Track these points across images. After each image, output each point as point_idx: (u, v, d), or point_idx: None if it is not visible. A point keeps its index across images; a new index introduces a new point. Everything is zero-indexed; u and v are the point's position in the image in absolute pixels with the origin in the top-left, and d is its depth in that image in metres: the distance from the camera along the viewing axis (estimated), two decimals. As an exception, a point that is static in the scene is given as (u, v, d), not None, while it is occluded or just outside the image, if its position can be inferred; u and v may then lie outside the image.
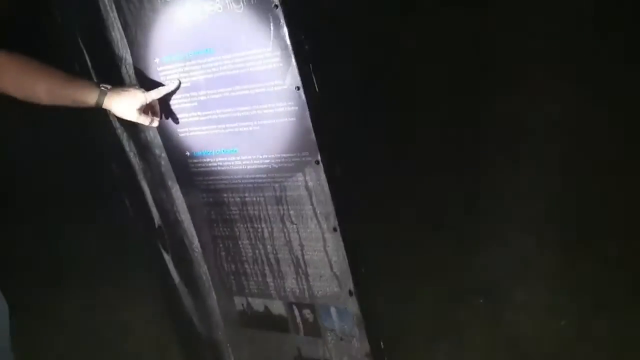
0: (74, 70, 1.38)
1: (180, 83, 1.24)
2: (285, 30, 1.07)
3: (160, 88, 1.23)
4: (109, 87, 1.18)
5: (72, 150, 1.40)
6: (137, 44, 1.27)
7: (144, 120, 1.22)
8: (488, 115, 1.07)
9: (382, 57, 1.11)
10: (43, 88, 1.14)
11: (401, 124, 1.14)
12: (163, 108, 1.30)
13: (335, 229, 1.20)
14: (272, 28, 1.08)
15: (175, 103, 1.29)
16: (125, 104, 1.19)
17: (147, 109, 1.23)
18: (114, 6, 1.27)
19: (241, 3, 1.09)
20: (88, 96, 1.17)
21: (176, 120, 1.30)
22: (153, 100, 1.24)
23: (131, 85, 1.22)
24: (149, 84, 1.29)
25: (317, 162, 1.16)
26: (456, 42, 1.06)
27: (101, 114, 1.40)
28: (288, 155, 1.19)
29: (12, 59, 1.12)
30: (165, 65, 1.25)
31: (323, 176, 1.17)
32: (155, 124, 1.25)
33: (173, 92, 1.26)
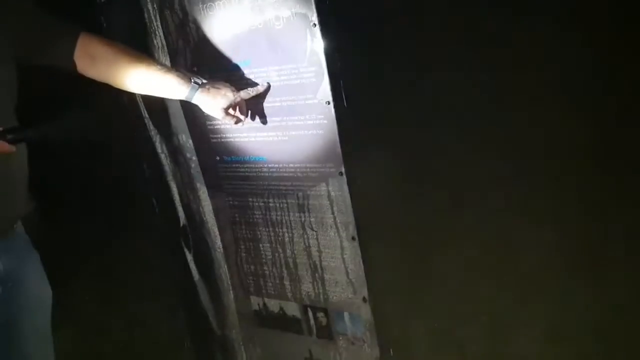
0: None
1: (270, 85, 1.23)
2: (321, 47, 1.15)
3: (250, 89, 1.22)
4: (200, 82, 1.17)
5: (105, 148, 1.48)
6: (177, 52, 1.35)
7: (229, 120, 1.21)
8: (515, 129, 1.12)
9: (411, 77, 1.17)
10: (137, 78, 1.15)
11: (423, 143, 1.20)
12: (195, 113, 1.37)
13: (353, 238, 1.27)
14: (308, 45, 1.16)
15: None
16: (214, 102, 1.18)
17: (234, 109, 1.22)
18: (157, 15, 1.35)
19: (281, 20, 1.17)
20: (179, 90, 1.17)
21: (209, 127, 1.37)
22: (241, 101, 1.22)
23: (223, 83, 1.20)
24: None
25: (341, 174, 1.23)
26: (488, 58, 1.12)
27: (138, 116, 1.49)
28: (313, 165, 1.26)
29: (109, 47, 1.13)
30: (202, 74, 1.33)
31: (345, 187, 1.23)
32: (240, 124, 1.25)
33: (264, 94, 1.25)
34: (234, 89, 1.20)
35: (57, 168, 1.35)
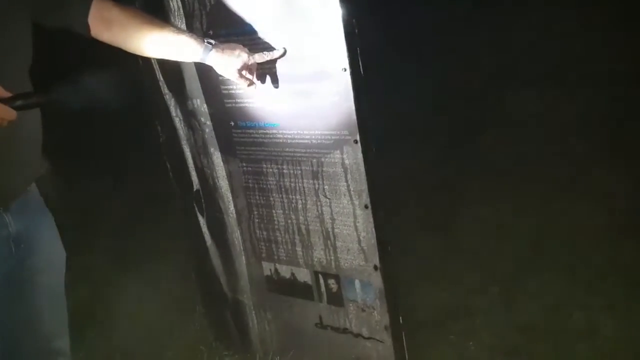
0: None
1: (285, 51, 1.21)
2: (338, 14, 1.13)
3: (265, 52, 1.21)
4: (213, 42, 1.17)
5: (120, 112, 1.48)
6: (193, 16, 1.34)
7: (243, 82, 1.21)
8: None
9: (428, 48, 1.16)
10: (150, 41, 1.14)
11: (439, 111, 1.19)
12: (210, 78, 1.37)
13: (366, 207, 1.27)
14: (325, 11, 1.14)
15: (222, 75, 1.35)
16: (228, 63, 1.18)
17: (248, 71, 1.21)
18: (173, -20, 1.33)
19: (295, -12, 1.15)
20: (193, 51, 1.17)
21: (223, 92, 1.37)
22: (254, 63, 1.21)
23: (237, 45, 1.19)
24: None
25: (356, 142, 1.23)
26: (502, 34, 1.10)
27: (153, 79, 1.49)
28: (328, 132, 1.26)
29: (123, 10, 1.13)
30: (217, 38, 1.32)
31: (360, 155, 1.23)
32: (254, 87, 1.23)
33: (278, 59, 1.23)
34: (248, 50, 1.19)
35: (72, 130, 1.35)
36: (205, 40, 1.17)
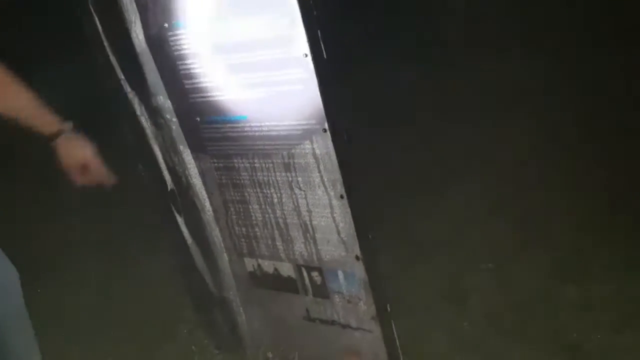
0: (85, 35, 1.38)
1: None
2: (294, -4, 1.06)
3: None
4: (67, 127, 1.20)
5: (82, 112, 1.42)
6: (147, 9, 1.26)
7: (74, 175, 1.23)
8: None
9: (391, 23, 1.08)
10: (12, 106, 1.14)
11: (409, 91, 1.13)
12: (172, 72, 1.31)
13: (342, 197, 1.22)
14: (280, -6, 1.07)
15: (184, 69, 1.29)
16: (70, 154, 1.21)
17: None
18: (122, -31, 1.25)
19: (249, -32, 1.08)
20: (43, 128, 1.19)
21: (187, 86, 1.31)
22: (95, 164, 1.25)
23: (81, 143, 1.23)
24: (158, 49, 1.30)
25: (325, 130, 1.17)
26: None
27: (113, 78, 1.42)
28: (296, 122, 1.20)
29: None
30: (175, 31, 1.25)
31: (330, 144, 1.18)
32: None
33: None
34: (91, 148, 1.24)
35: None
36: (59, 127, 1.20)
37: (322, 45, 1.12)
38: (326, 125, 1.16)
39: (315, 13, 1.10)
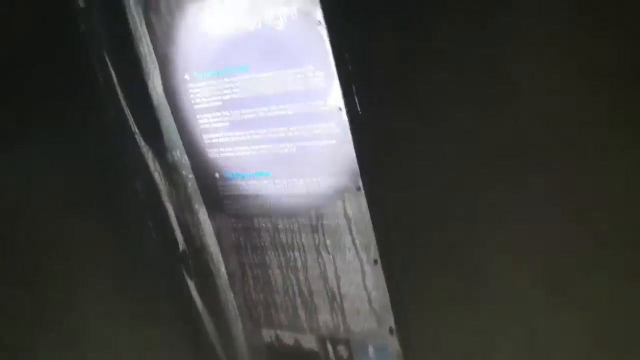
0: (98, 85, 1.32)
1: None
2: (328, 48, 1.00)
3: None
4: None
5: (92, 165, 1.34)
6: (166, 60, 1.20)
7: None
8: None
9: (429, 79, 1.02)
10: None
11: (450, 152, 1.05)
12: (190, 126, 1.24)
13: (376, 261, 1.11)
14: (313, 46, 1.01)
15: (205, 123, 1.21)
16: None
17: None
18: (143, 21, 1.20)
19: (281, 19, 1.02)
20: None
21: (206, 141, 1.23)
22: None
23: None
24: (176, 102, 1.23)
25: (358, 189, 1.08)
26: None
27: (126, 131, 1.34)
28: (327, 180, 1.11)
29: None
30: (195, 82, 1.18)
31: (364, 204, 1.08)
32: None
33: None
34: None
35: (41, 186, 1.21)
36: None
37: (356, 99, 1.05)
38: (360, 184, 1.07)
39: (350, 67, 1.03)
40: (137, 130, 1.35)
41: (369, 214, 1.08)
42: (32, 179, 1.22)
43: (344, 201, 1.10)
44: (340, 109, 1.03)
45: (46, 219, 1.22)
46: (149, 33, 1.20)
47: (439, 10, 0.98)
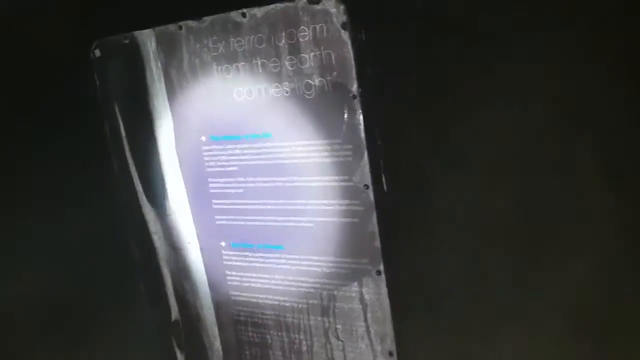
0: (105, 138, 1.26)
1: None
2: (360, 122, 0.95)
3: None
4: None
5: (90, 220, 1.25)
6: (183, 118, 1.14)
7: None
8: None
9: (461, 159, 0.97)
10: None
11: (479, 238, 0.99)
12: (200, 190, 1.17)
13: (391, 354, 1.03)
14: (345, 119, 0.96)
15: (216, 187, 1.14)
16: None
17: None
18: (162, 76, 1.15)
19: (313, 89, 0.98)
20: None
21: (215, 206, 1.15)
22: None
23: None
24: (188, 163, 1.16)
25: (379, 273, 1.01)
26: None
27: (128, 190, 1.26)
28: (344, 260, 1.04)
29: None
30: (212, 145, 1.12)
31: (384, 290, 1.01)
32: None
33: None
34: None
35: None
36: None
37: (383, 177, 1.00)
38: (382, 268, 1.00)
39: (379, 142, 0.99)
40: (140, 189, 1.27)
41: (388, 301, 1.00)
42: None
43: (361, 285, 1.03)
44: (367, 186, 0.98)
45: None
46: (166, 89, 1.15)
47: (476, 94, 0.95)
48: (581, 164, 0.90)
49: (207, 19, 1.06)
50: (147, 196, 1.26)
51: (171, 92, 1.15)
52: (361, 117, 0.95)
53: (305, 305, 1.10)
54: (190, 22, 1.08)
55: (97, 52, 1.21)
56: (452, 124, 0.98)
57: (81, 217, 1.25)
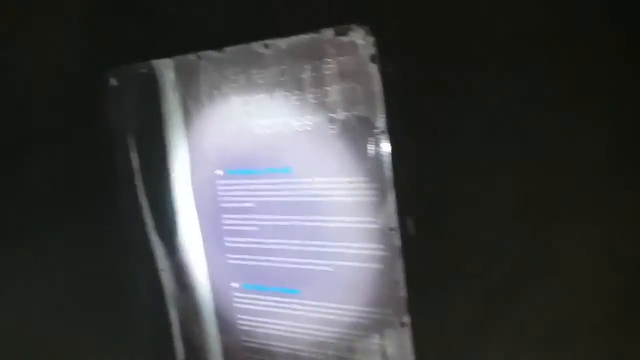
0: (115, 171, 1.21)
1: None
2: (387, 160, 0.89)
3: None
4: None
5: (94, 258, 1.19)
6: (199, 150, 1.09)
7: None
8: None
9: (499, 204, 0.90)
10: None
11: (514, 287, 0.91)
12: (213, 226, 1.10)
13: (415, 414, 0.93)
14: (370, 156, 0.90)
15: (230, 224, 1.08)
16: None
17: None
18: (179, 106, 1.11)
19: (336, 123, 0.92)
20: None
21: (228, 244, 1.09)
22: None
23: None
24: (201, 198, 1.10)
25: (403, 325, 0.92)
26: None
27: (137, 223, 1.21)
28: (365, 309, 0.96)
29: None
30: (228, 179, 1.07)
31: (408, 344, 0.92)
32: None
33: None
34: None
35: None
36: None
37: (410, 219, 0.92)
38: (406, 320, 0.92)
39: (406, 182, 0.92)
40: (150, 222, 1.21)
41: (412, 356, 0.92)
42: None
43: (383, 337, 0.94)
44: (392, 229, 0.90)
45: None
46: (184, 120, 1.10)
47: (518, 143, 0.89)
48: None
49: (228, 50, 1.01)
50: (158, 230, 1.20)
51: (188, 124, 1.10)
52: (387, 154, 0.88)
53: (323, 357, 1.02)
54: (211, 52, 1.03)
55: (113, 81, 1.17)
56: (490, 167, 0.91)
57: (84, 248, 1.20)
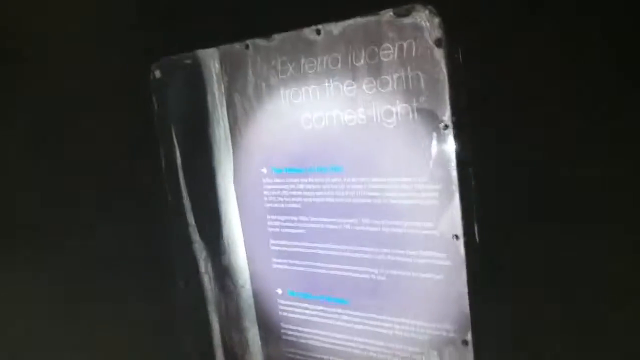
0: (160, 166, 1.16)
1: None
2: (452, 158, 0.79)
3: None
4: None
5: (136, 255, 1.15)
6: (243, 147, 1.02)
7: None
8: None
9: (579, 209, 0.78)
10: None
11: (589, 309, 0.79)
12: (257, 227, 1.03)
13: None
14: (433, 154, 0.80)
15: (275, 226, 1.00)
16: None
17: None
18: (224, 100, 1.04)
19: (394, 116, 0.82)
20: None
21: (273, 248, 1.01)
22: None
23: None
24: (246, 198, 1.03)
25: (465, 343, 0.82)
26: None
27: (180, 223, 1.15)
28: (422, 324, 0.86)
29: None
30: (273, 178, 0.99)
31: (471, 365, 0.82)
32: None
33: None
34: None
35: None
36: None
37: (476, 226, 0.82)
38: (469, 337, 0.81)
39: (474, 183, 0.81)
40: (193, 222, 1.15)
41: (476, 380, 0.81)
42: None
43: (441, 356, 0.84)
44: (456, 236, 0.80)
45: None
46: (228, 114, 1.03)
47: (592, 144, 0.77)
48: None
49: (277, 37, 0.94)
50: (200, 232, 1.14)
51: (233, 118, 1.03)
52: (453, 151, 0.78)
53: (372, 374, 0.92)
54: (259, 40, 0.96)
55: (157, 73, 1.12)
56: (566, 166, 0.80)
57: (127, 245, 1.15)
